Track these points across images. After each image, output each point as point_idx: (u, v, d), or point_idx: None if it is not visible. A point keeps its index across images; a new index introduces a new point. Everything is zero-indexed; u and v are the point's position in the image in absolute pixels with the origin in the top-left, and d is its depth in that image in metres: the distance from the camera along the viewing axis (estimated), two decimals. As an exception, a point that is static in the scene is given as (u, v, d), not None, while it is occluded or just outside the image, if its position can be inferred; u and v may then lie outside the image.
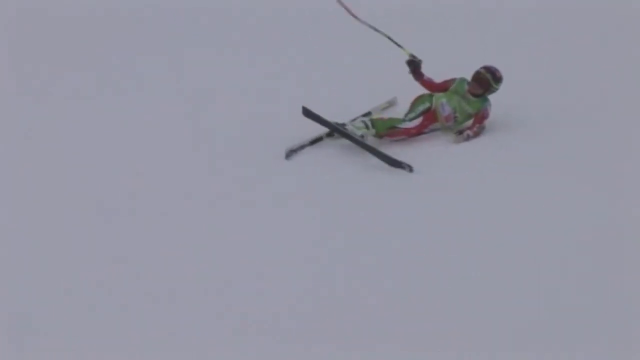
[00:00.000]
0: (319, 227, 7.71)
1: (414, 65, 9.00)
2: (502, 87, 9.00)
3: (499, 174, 8.32)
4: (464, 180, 8.26)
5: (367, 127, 8.76)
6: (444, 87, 9.03)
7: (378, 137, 8.78)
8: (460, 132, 8.97)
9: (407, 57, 8.97)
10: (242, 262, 7.22)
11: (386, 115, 9.07)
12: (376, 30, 8.94)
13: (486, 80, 8.91)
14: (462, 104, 8.98)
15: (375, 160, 8.46)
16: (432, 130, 8.98)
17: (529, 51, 10.63)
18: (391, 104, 9.40)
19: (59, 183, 8.39)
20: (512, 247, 7.27)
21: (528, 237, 7.38)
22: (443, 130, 9.01)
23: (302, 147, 8.64)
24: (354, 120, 8.86)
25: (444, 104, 8.96)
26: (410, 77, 8.99)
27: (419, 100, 9.01)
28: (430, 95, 9.01)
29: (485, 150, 8.74)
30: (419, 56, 9.00)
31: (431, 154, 8.66)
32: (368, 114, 9.13)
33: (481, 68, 8.97)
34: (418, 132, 8.90)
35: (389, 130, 8.81)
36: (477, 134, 8.94)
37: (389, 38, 8.94)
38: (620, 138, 8.82)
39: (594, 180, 8.11)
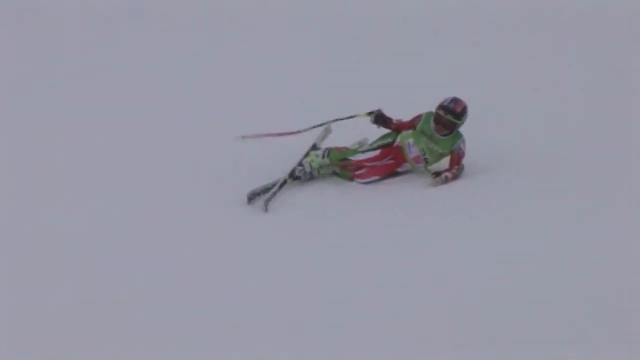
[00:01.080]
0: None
1: (379, 117, 8.54)
2: (483, 125, 8.68)
3: (476, 219, 7.98)
4: (435, 224, 7.94)
5: (322, 156, 8.55)
6: (411, 124, 8.49)
7: (342, 174, 8.53)
8: (438, 174, 8.43)
9: (366, 117, 8.54)
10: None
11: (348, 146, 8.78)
12: (316, 126, 8.66)
13: (448, 122, 8.34)
14: (430, 145, 8.43)
15: (348, 202, 8.31)
16: (407, 171, 8.59)
17: (509, 83, 10.41)
18: (327, 131, 8.92)
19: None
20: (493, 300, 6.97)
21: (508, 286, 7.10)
22: (416, 171, 8.60)
23: (266, 190, 8.32)
24: (307, 155, 8.61)
25: (410, 144, 8.47)
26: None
27: (383, 136, 8.62)
28: (397, 132, 8.56)
29: (462, 193, 8.34)
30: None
31: (404, 198, 8.34)
32: (314, 146, 8.72)
33: (439, 109, 8.33)
34: (388, 170, 8.51)
35: (341, 161, 8.50)
36: (455, 177, 8.42)
37: (338, 119, 8.62)
38: (606, 172, 8.53)
39: (581, 226, 7.76)
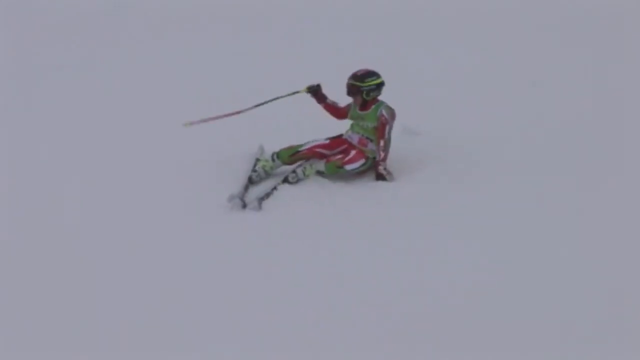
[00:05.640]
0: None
1: (315, 90, 8.64)
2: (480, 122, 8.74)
3: (472, 214, 8.06)
4: (432, 220, 8.01)
5: (273, 159, 8.74)
6: (344, 112, 8.68)
7: (328, 168, 8.59)
8: (378, 173, 8.57)
9: (307, 93, 8.65)
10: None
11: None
12: (260, 104, 8.69)
13: (352, 86, 8.49)
14: (361, 124, 8.58)
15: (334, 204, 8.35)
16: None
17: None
18: (261, 149, 9.01)
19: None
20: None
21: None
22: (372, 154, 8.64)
23: (267, 195, 8.48)
24: (256, 165, 8.74)
25: (350, 135, 8.67)
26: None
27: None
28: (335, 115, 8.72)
29: (460, 191, 8.38)
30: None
31: (393, 194, 8.38)
32: (257, 161, 8.81)
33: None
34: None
35: (293, 156, 8.68)
36: (385, 152, 8.51)
37: (278, 97, 8.66)
38: (604, 172, 8.61)
39: (580, 224, 7.85)
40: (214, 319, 6.91)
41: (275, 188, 8.52)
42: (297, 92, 8.68)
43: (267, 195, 8.44)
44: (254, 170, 8.67)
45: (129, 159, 9.17)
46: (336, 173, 8.61)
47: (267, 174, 8.70)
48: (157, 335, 6.76)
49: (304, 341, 6.67)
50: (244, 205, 8.28)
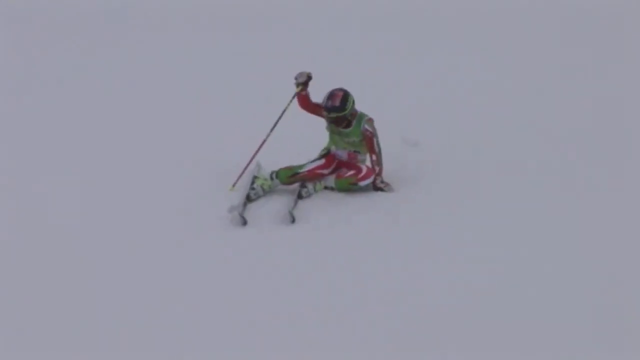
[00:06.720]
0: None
1: (308, 80, 8.51)
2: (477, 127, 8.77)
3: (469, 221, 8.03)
4: (436, 228, 7.98)
5: (272, 178, 8.65)
6: (317, 110, 8.48)
7: (338, 184, 8.55)
8: (376, 187, 8.53)
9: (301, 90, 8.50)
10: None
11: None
12: (274, 126, 8.60)
13: (338, 118, 8.35)
14: (346, 140, 8.50)
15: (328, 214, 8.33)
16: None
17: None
18: (258, 166, 8.90)
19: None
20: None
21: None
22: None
23: (295, 204, 8.47)
24: (254, 182, 8.64)
25: (336, 151, 8.60)
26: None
27: (323, 149, 8.69)
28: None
29: (456, 196, 8.34)
30: None
31: (400, 205, 8.34)
32: (255, 178, 8.70)
33: (324, 111, 8.35)
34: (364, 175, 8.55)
35: (292, 177, 8.58)
36: (379, 165, 8.46)
37: (284, 111, 8.55)
38: (602, 175, 8.59)
39: (579, 228, 7.84)
40: (214, 319, 6.92)
41: (300, 196, 8.48)
42: (295, 94, 8.55)
43: (295, 203, 8.39)
44: (252, 188, 8.59)
45: (129, 159, 9.16)
46: (348, 190, 8.56)
47: (265, 192, 8.62)
48: (157, 335, 6.77)
49: (304, 341, 6.68)
50: (245, 222, 8.19)
